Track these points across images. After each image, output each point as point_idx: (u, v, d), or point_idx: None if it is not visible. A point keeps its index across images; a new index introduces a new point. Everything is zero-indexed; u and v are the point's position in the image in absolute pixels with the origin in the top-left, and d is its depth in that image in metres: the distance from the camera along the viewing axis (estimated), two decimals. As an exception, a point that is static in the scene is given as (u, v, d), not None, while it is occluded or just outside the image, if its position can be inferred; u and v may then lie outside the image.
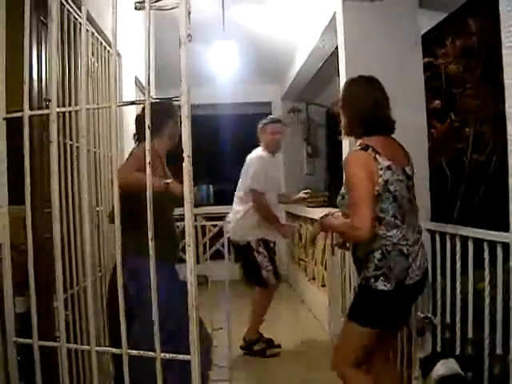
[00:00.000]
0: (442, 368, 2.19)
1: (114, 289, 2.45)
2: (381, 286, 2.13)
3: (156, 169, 2.48)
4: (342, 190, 2.29)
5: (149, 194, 1.38)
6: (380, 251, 2.15)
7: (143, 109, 2.70)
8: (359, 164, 2.14)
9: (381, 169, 2.13)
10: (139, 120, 2.67)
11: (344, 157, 2.27)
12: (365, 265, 2.19)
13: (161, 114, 2.51)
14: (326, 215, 2.41)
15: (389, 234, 2.14)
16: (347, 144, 3.58)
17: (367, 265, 2.18)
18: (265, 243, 4.04)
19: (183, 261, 1.39)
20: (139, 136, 2.70)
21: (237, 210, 4.15)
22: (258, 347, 4.02)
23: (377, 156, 2.14)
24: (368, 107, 2.22)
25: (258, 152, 4.21)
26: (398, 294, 2.16)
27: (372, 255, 2.16)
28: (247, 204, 4.07)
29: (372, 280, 2.15)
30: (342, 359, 2.29)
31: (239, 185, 4.26)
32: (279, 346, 4.08)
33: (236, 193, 4.28)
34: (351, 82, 2.39)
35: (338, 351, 2.38)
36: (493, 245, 2.31)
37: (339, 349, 2.39)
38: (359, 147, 2.20)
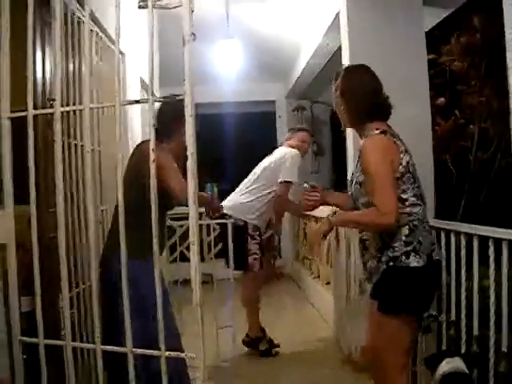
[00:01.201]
0: (447, 366, 2.18)
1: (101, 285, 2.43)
2: (413, 262, 2.07)
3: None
4: (359, 179, 2.19)
5: (153, 194, 1.38)
6: (407, 227, 2.10)
7: (163, 103, 2.61)
8: (379, 148, 2.10)
9: (401, 152, 2.13)
10: (162, 114, 2.53)
11: (364, 142, 2.17)
12: (388, 245, 2.11)
13: (178, 112, 2.32)
14: (334, 213, 2.37)
15: (414, 210, 2.12)
16: (351, 142, 3.57)
17: (392, 244, 2.10)
18: (260, 232, 4.01)
19: (188, 259, 1.39)
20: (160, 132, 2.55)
21: (245, 194, 4.01)
22: (262, 347, 3.98)
23: (395, 139, 2.15)
24: (370, 92, 2.23)
25: (293, 149, 4.09)
26: (429, 271, 2.11)
27: (398, 232, 2.10)
28: (262, 192, 3.98)
29: (403, 257, 2.08)
30: (388, 362, 2.14)
31: (259, 173, 4.05)
32: (278, 346, 4.05)
33: (252, 180, 4.07)
34: (349, 70, 2.38)
35: (383, 354, 2.17)
36: (498, 242, 2.31)
37: (384, 351, 2.16)
38: (377, 131, 2.15)
